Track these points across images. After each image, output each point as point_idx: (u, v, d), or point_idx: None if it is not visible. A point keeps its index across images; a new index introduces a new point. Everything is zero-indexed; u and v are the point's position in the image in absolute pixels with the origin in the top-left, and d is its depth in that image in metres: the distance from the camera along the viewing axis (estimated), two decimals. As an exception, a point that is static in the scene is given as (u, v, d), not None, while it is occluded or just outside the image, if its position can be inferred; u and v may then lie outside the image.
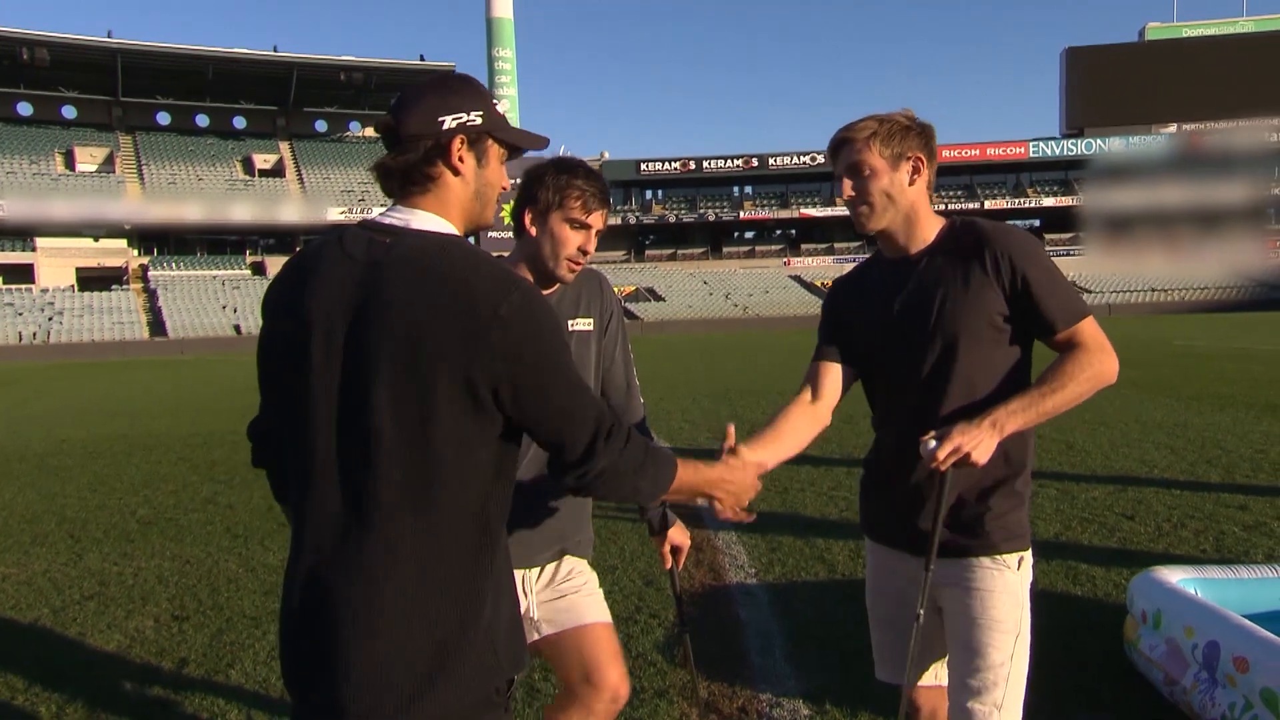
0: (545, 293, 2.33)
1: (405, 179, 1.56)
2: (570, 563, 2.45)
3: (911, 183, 2.09)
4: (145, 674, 3.94)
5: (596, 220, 2.25)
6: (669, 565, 2.55)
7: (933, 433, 1.98)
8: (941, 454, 1.93)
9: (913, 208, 2.12)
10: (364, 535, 1.44)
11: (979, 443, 1.92)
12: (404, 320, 1.42)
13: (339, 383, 1.46)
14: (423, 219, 1.54)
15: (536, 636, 2.37)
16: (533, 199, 2.22)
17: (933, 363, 2.06)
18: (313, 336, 1.47)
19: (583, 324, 2.35)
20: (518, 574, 2.28)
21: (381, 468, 1.43)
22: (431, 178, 1.56)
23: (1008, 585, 2.03)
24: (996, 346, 2.04)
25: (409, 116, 1.54)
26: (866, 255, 2.40)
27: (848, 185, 2.13)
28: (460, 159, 1.56)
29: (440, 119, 1.54)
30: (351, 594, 1.43)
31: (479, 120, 1.56)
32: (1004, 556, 2.05)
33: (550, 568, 2.41)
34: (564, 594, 2.41)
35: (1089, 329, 2.02)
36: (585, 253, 2.26)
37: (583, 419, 1.50)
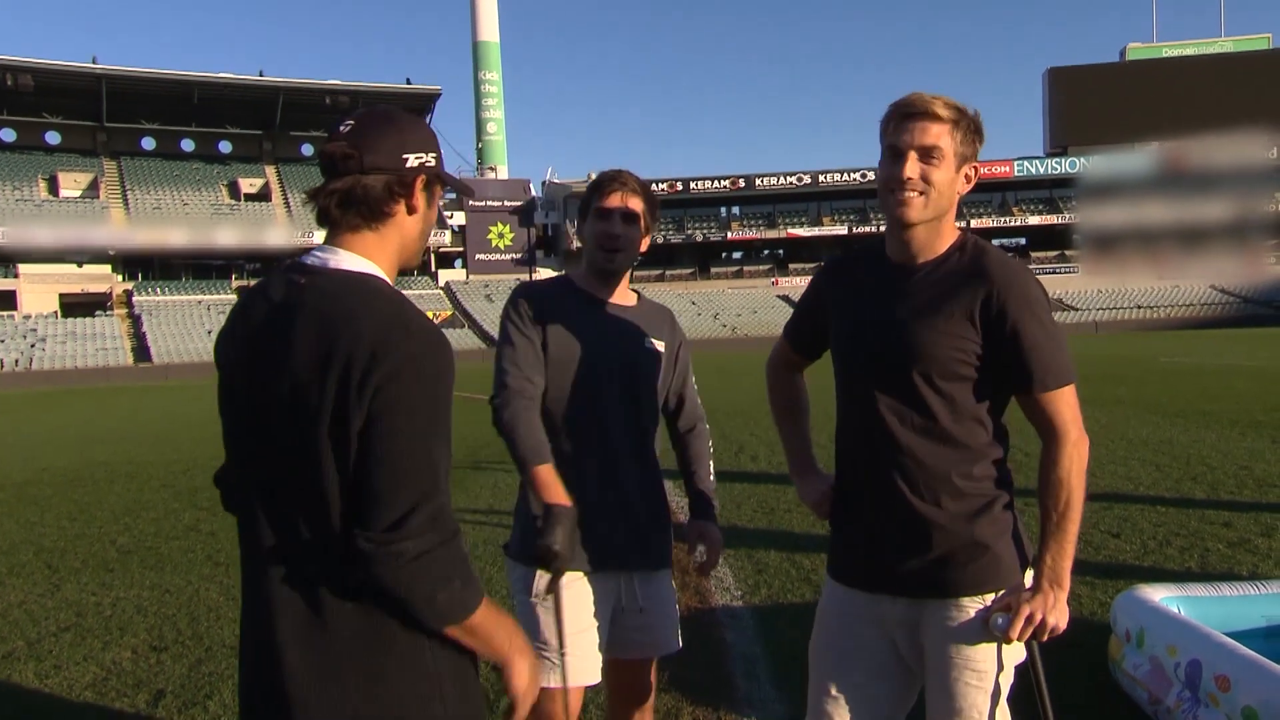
0: (620, 301, 2.46)
1: (360, 210, 1.52)
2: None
3: (960, 190, 1.94)
4: (121, 707, 3.87)
5: (614, 200, 2.37)
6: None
7: (995, 606, 1.92)
8: (1015, 632, 1.89)
9: (947, 216, 1.95)
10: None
11: (1053, 606, 1.88)
12: (298, 366, 1.41)
13: (246, 428, 1.50)
14: (343, 258, 1.52)
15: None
16: (581, 213, 2.45)
17: (892, 387, 1.94)
18: (233, 382, 1.52)
19: (655, 344, 2.48)
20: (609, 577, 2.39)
21: (274, 516, 1.47)
22: (387, 213, 1.55)
23: (986, 626, 1.93)
24: (965, 388, 1.91)
25: (374, 147, 1.51)
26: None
27: (912, 163, 1.87)
28: (419, 199, 1.58)
29: (404, 156, 1.54)
30: None
31: (434, 162, 1.58)
32: (983, 596, 1.94)
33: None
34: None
35: (1065, 402, 1.88)
36: (613, 236, 2.37)
37: (412, 484, 1.38)
